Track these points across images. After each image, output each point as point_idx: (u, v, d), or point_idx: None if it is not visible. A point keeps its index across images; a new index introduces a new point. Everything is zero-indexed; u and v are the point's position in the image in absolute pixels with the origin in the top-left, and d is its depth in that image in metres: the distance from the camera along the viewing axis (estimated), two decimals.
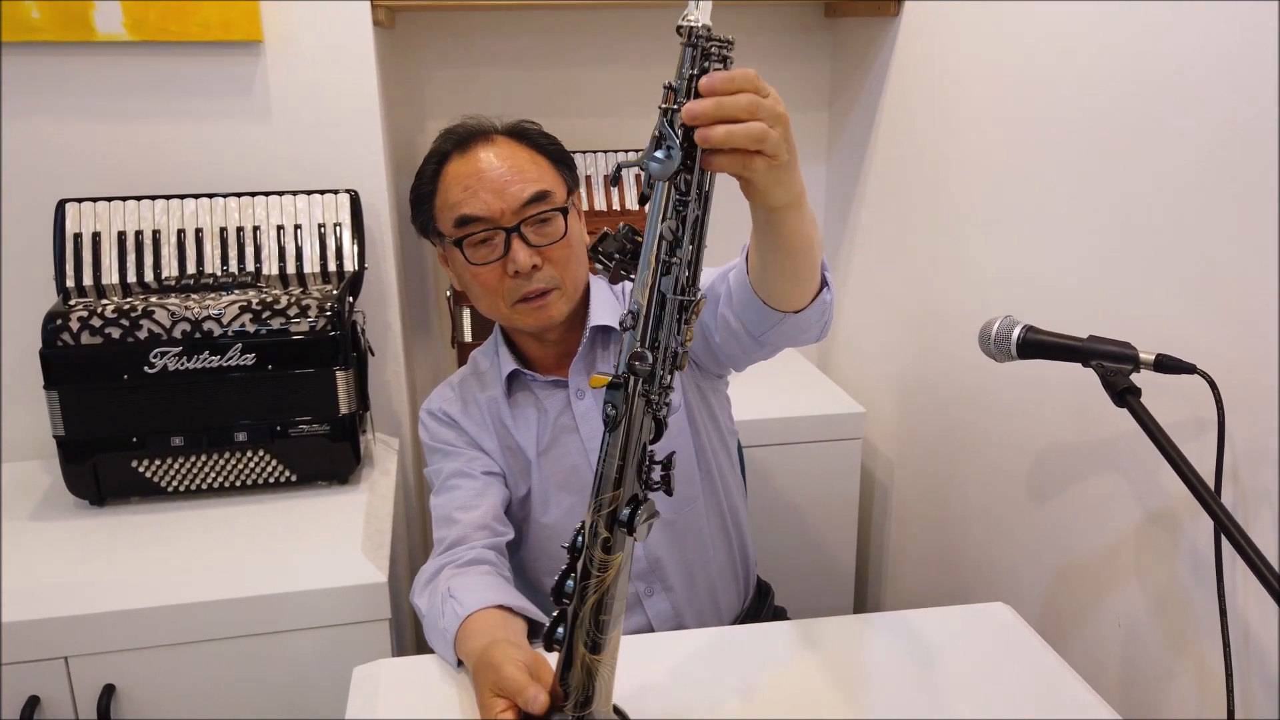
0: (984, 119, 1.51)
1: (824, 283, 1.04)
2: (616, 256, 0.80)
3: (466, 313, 1.76)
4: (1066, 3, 1.28)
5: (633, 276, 0.79)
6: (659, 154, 0.75)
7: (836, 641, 1.09)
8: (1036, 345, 1.12)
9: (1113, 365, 1.04)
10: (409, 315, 1.92)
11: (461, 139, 1.20)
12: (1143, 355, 1.04)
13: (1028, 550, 1.45)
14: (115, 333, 1.34)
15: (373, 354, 1.59)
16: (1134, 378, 1.03)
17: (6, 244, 1.54)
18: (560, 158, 1.23)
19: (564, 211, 1.18)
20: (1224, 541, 1.03)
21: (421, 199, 1.22)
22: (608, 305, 1.26)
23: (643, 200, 0.76)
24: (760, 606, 1.41)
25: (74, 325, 1.33)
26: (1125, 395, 1.01)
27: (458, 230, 1.16)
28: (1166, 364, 1.03)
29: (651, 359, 0.77)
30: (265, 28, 1.53)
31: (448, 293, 1.79)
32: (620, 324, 0.78)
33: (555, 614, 0.86)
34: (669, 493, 0.84)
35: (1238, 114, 1.02)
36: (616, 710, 0.93)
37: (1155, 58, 1.13)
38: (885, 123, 1.87)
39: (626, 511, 0.82)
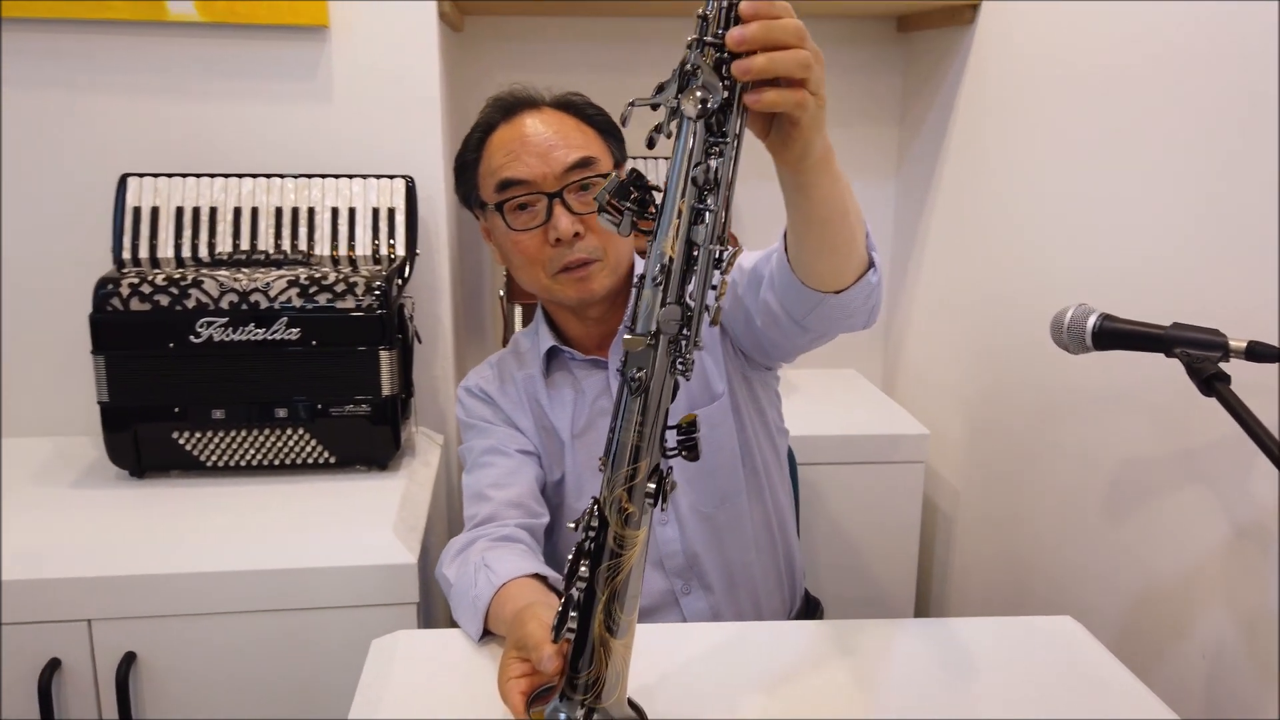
0: (1059, 124, 1.44)
1: (871, 264, 0.96)
2: (628, 205, 0.74)
3: (519, 311, 1.73)
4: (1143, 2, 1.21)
5: (644, 228, 0.74)
6: (698, 93, 0.70)
7: (876, 644, 1.01)
8: (1114, 334, 1.03)
9: (1199, 353, 0.96)
10: (462, 312, 1.90)
11: (508, 107, 1.17)
12: (1233, 343, 0.95)
13: (1103, 576, 1.34)
14: (164, 300, 1.34)
15: (419, 341, 1.56)
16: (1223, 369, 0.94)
17: (69, 218, 1.56)
18: (607, 128, 1.19)
19: (607, 178, 1.14)
20: None
21: (465, 167, 1.19)
22: None
23: (650, 144, 0.70)
24: (808, 619, 1.32)
25: (124, 291, 1.33)
26: (1213, 382, 0.92)
27: (499, 195, 1.13)
28: (1260, 351, 0.94)
29: (680, 316, 0.71)
30: (331, 13, 1.55)
31: (500, 292, 1.76)
32: (637, 281, 0.72)
33: (564, 601, 0.79)
34: (694, 457, 0.78)
35: None
36: (632, 704, 0.86)
37: (1235, 46, 1.06)
38: (956, 135, 1.81)
39: (652, 485, 0.76)
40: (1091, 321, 1.04)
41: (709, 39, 0.68)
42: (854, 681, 0.94)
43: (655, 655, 0.96)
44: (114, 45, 1.53)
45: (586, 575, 0.77)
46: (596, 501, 0.76)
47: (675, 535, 1.19)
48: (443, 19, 1.65)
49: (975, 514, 1.76)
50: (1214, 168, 1.12)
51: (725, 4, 0.68)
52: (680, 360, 0.72)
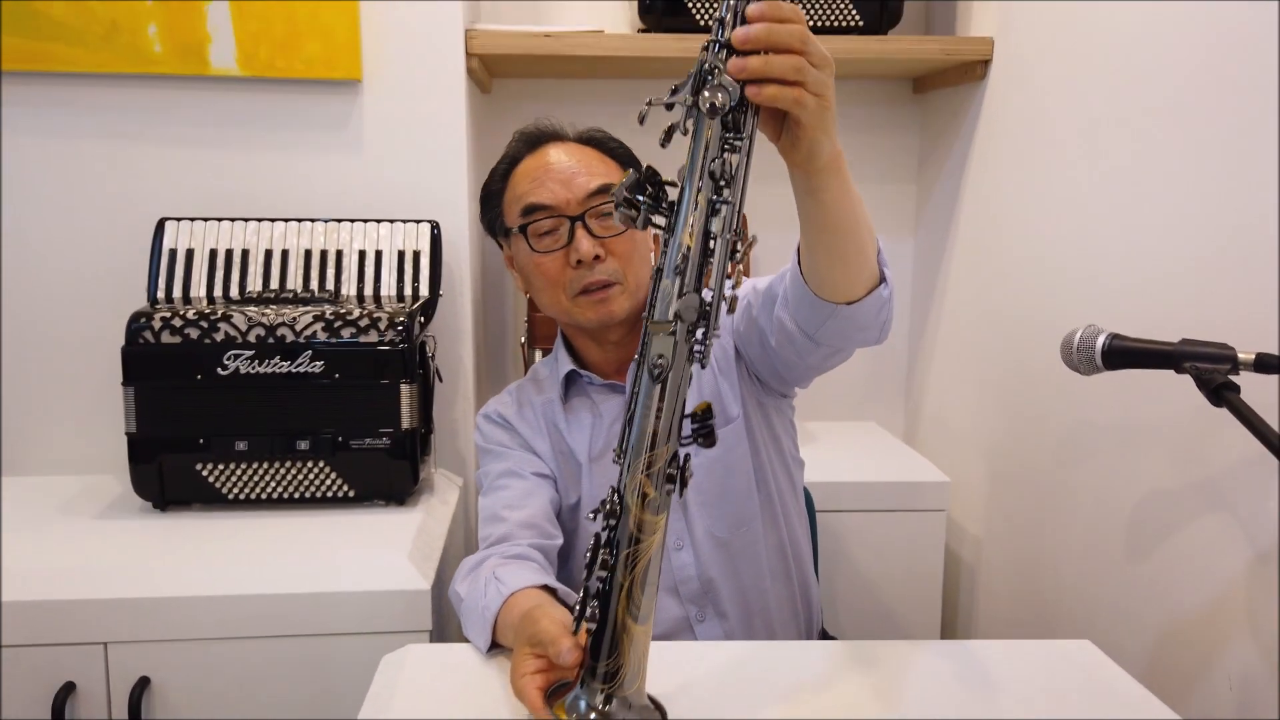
0: (1069, 171, 1.47)
1: (883, 278, 0.99)
2: (644, 199, 0.78)
3: (539, 356, 1.76)
4: (1150, 39, 1.25)
5: (659, 224, 0.77)
6: (711, 92, 0.73)
7: (893, 663, 0.99)
8: (1123, 353, 1.04)
9: (1208, 366, 0.96)
10: (484, 355, 1.93)
11: (533, 139, 1.22)
12: (1241, 355, 0.95)
13: (1128, 614, 1.31)
14: (194, 333, 1.38)
15: (440, 379, 1.59)
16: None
17: (111, 261, 1.61)
18: (629, 161, 1.24)
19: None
20: None
21: (491, 196, 1.24)
22: None
23: (665, 141, 0.75)
24: None
25: (156, 325, 1.38)
26: (1222, 392, 0.93)
27: (523, 218, 1.17)
28: (1268, 363, 0.94)
29: (699, 304, 0.74)
30: (365, 67, 1.62)
31: (522, 338, 1.80)
32: (655, 272, 0.75)
33: (583, 591, 0.80)
34: (710, 444, 0.79)
35: None
36: (652, 701, 0.86)
37: (1237, 79, 1.09)
38: (971, 189, 1.84)
39: (672, 470, 0.77)
40: (1101, 341, 1.05)
41: (722, 40, 0.73)
42: (871, 699, 0.92)
43: (671, 672, 0.96)
44: (159, 97, 1.61)
45: (609, 563, 0.77)
46: (616, 490, 0.78)
47: (690, 560, 1.18)
48: (471, 77, 1.72)
49: (998, 561, 1.74)
50: (1223, 206, 1.14)
51: (736, 6, 0.73)
52: (699, 347, 0.74)
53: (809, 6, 1.74)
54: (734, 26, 0.74)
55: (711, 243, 0.74)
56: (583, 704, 0.79)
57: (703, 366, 0.75)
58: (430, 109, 1.65)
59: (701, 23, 1.73)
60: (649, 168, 0.78)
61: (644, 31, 1.79)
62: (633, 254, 1.17)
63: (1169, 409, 1.23)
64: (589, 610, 0.79)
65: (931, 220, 2.03)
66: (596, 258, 1.14)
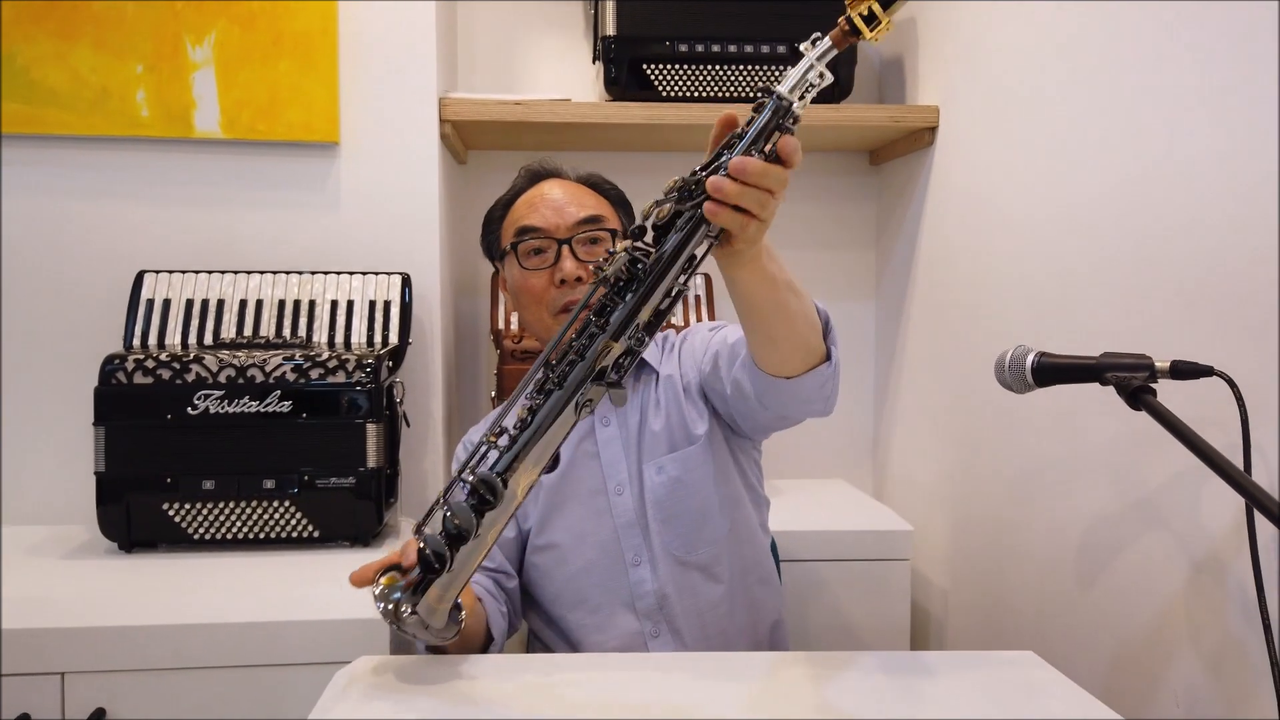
0: (1012, 229, 1.55)
1: (828, 355, 1.05)
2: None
3: None
4: (1081, 95, 1.34)
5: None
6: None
7: (841, 674, 1.01)
8: (1051, 369, 1.09)
9: (1126, 375, 1.01)
10: (455, 410, 1.97)
11: (535, 175, 1.36)
12: (1158, 364, 1.00)
13: (1081, 642, 1.33)
14: (166, 374, 1.42)
15: (408, 424, 1.62)
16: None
17: (92, 314, 1.66)
18: (620, 201, 1.37)
19: (613, 235, 1.28)
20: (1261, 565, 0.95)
21: (492, 221, 1.36)
22: None
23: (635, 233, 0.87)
24: None
25: (129, 366, 1.42)
26: (1139, 394, 0.97)
27: (516, 238, 1.28)
28: (1182, 369, 0.99)
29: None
30: (343, 130, 1.71)
31: (492, 393, 1.84)
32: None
33: (436, 502, 0.93)
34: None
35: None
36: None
37: (1169, 126, 1.17)
38: (924, 251, 1.92)
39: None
40: (1030, 359, 1.10)
41: (699, 173, 0.84)
42: (816, 708, 0.93)
43: (623, 688, 0.97)
44: (146, 158, 1.69)
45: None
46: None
47: (647, 576, 1.20)
48: (445, 143, 1.81)
49: (964, 608, 1.75)
50: (1162, 253, 1.21)
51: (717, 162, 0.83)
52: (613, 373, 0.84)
53: (762, 76, 1.85)
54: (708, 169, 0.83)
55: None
56: (396, 595, 0.91)
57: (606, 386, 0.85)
58: (405, 171, 1.74)
59: (663, 93, 1.83)
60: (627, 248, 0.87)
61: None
62: None
63: (1105, 437, 1.27)
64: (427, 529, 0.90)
65: (890, 284, 2.11)
66: (579, 279, 1.23)
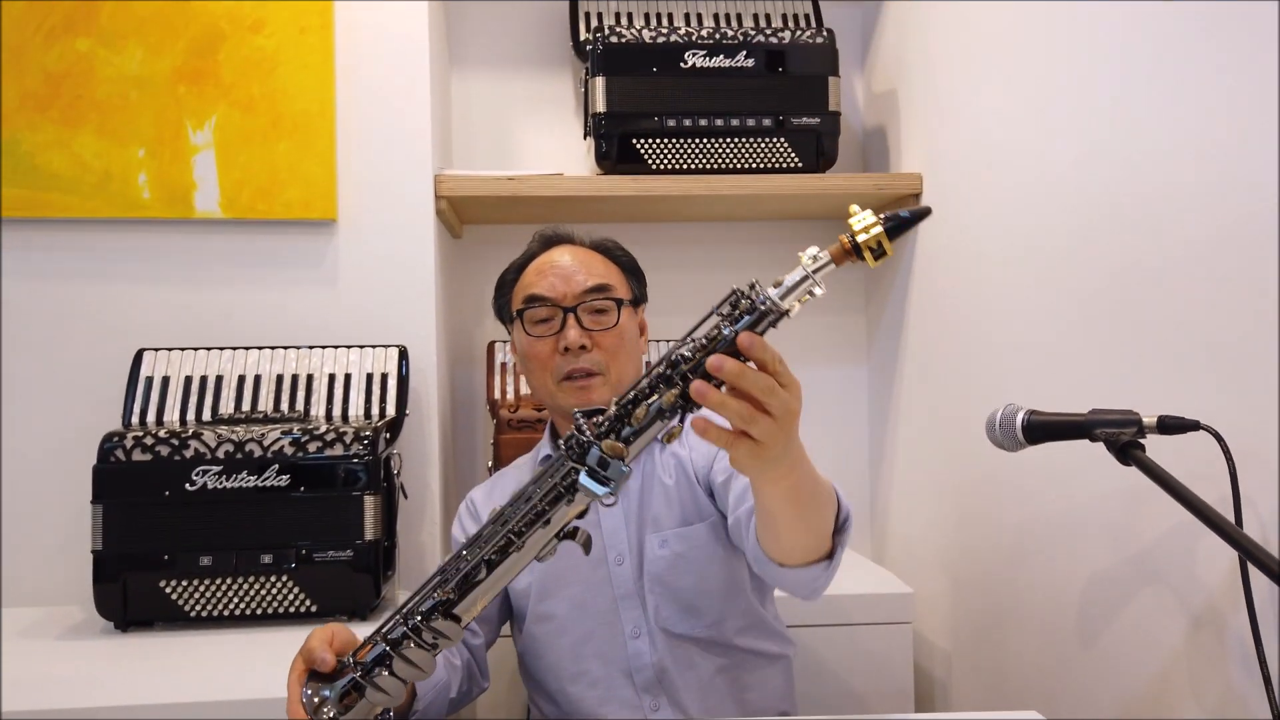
0: (998, 291, 1.57)
1: (830, 555, 1.05)
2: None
3: None
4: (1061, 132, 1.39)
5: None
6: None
7: None
8: (1041, 426, 1.11)
9: (1115, 430, 1.02)
10: (452, 481, 1.97)
11: (548, 240, 1.38)
12: (1145, 419, 1.02)
13: (1085, 700, 1.32)
14: (164, 450, 1.42)
15: (405, 496, 1.63)
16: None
17: (90, 395, 1.67)
18: (631, 269, 1.39)
19: (619, 304, 1.30)
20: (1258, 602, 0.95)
21: (504, 285, 1.39)
22: None
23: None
24: None
25: (128, 443, 1.43)
26: (1128, 450, 0.99)
27: (524, 305, 1.31)
28: (1169, 424, 1.01)
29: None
30: (340, 207, 1.74)
31: (489, 463, 1.84)
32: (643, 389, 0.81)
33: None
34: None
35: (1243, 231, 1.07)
36: None
37: (1162, 165, 1.21)
38: (913, 314, 1.95)
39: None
40: (1020, 418, 1.12)
41: (699, 343, 0.80)
42: None
43: None
44: (146, 238, 1.72)
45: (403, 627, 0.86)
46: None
47: (646, 649, 1.20)
48: (441, 218, 1.85)
49: (967, 671, 1.73)
50: (1148, 305, 1.23)
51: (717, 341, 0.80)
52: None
53: (750, 150, 1.90)
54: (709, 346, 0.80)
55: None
56: (325, 692, 0.89)
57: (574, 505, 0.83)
58: (402, 246, 1.77)
59: (653, 166, 1.88)
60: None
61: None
62: (619, 349, 1.28)
63: (1101, 493, 1.28)
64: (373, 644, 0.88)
65: (881, 347, 2.13)
66: (583, 347, 1.25)
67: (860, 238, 0.78)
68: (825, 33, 1.94)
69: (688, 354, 0.79)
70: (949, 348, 1.79)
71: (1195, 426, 1.00)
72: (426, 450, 1.76)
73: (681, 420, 0.79)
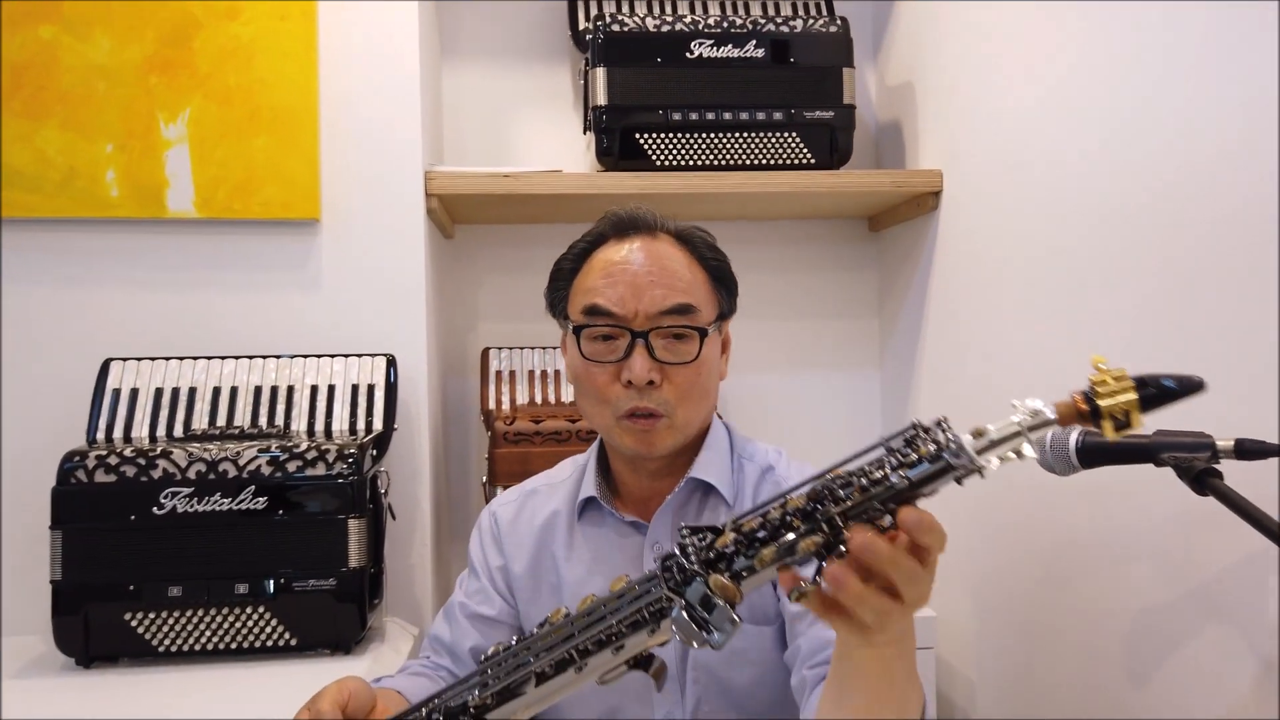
0: (1026, 291, 1.47)
1: None
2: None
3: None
4: (1093, 151, 1.28)
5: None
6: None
7: None
8: (1098, 449, 1.00)
9: (1186, 455, 0.92)
10: (444, 498, 1.86)
11: (621, 225, 1.10)
12: (1220, 443, 0.91)
13: None
14: (130, 471, 1.31)
15: (393, 517, 1.51)
16: None
17: (53, 409, 1.56)
18: (721, 276, 1.12)
19: (703, 333, 1.06)
20: None
21: (560, 274, 1.12)
22: (719, 460, 1.11)
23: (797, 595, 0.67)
24: None
25: (90, 463, 1.31)
26: (1206, 479, 0.88)
27: (583, 318, 1.06)
28: (1249, 449, 0.90)
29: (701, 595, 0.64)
30: (324, 206, 1.63)
31: (483, 478, 1.73)
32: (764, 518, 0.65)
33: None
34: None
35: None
36: None
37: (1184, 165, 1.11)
38: (932, 318, 1.85)
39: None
40: (1074, 439, 1.01)
41: (858, 481, 0.64)
42: None
43: None
44: (115, 239, 1.60)
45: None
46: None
47: None
48: (431, 218, 1.73)
49: (992, 701, 1.62)
50: (1174, 310, 1.13)
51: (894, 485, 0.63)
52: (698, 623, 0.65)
53: (760, 145, 1.79)
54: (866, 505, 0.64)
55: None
56: None
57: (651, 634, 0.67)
58: (390, 247, 1.65)
59: (657, 162, 1.77)
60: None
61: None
62: (692, 388, 1.05)
63: (1152, 517, 1.17)
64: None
65: (896, 353, 2.03)
66: (650, 383, 1.02)
67: (1105, 401, 0.62)
68: (839, 21, 1.83)
69: (841, 492, 0.64)
70: (969, 354, 1.68)
71: (1278, 451, 0.89)
72: (416, 467, 1.64)
73: (816, 577, 0.63)
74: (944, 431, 0.63)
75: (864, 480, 0.64)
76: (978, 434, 0.63)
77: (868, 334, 2.13)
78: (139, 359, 1.54)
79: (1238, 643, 1.03)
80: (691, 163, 1.77)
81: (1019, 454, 0.63)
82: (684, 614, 0.63)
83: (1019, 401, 0.63)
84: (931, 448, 0.63)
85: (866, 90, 2.12)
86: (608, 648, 0.67)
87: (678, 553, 0.65)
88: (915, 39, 1.90)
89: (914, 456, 0.63)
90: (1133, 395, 0.61)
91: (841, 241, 2.11)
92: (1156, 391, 0.61)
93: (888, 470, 0.64)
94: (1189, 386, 0.62)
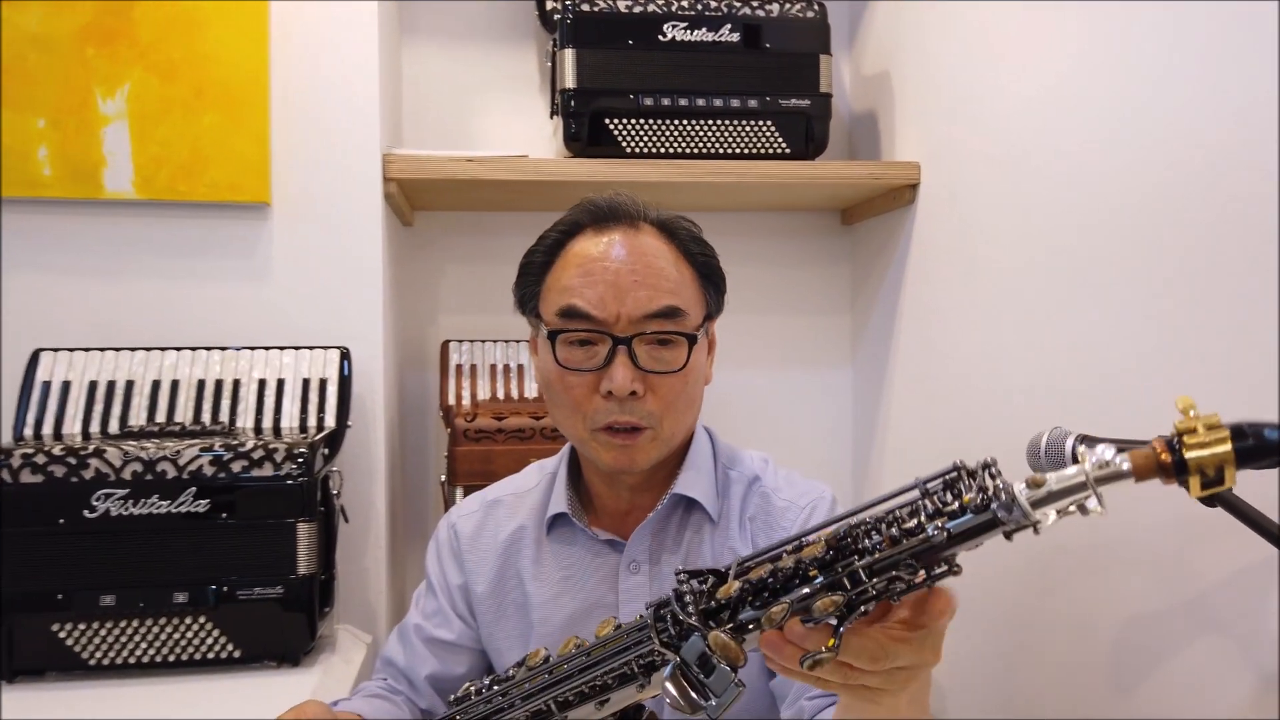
0: (1004, 289, 1.43)
1: None
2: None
3: (459, 495, 1.61)
4: (1082, 147, 1.24)
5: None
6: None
7: None
8: None
9: None
10: (400, 498, 1.77)
11: (600, 215, 0.99)
12: None
13: None
14: (59, 471, 1.21)
15: (346, 519, 1.43)
16: None
17: None
18: (709, 273, 1.02)
19: (692, 339, 0.97)
20: None
21: (531, 268, 1.02)
22: (703, 473, 1.03)
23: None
24: None
25: (15, 462, 1.21)
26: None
27: (559, 321, 0.96)
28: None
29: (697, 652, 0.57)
30: (274, 191, 1.54)
31: (442, 477, 1.65)
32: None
33: None
34: None
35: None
36: None
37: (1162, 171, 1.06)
38: (906, 314, 1.80)
39: None
40: (1070, 443, 0.96)
41: (888, 531, 0.57)
42: None
43: None
44: (45, 221, 1.49)
45: None
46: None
47: None
48: (389, 203, 1.65)
49: (963, 705, 1.58)
50: (1160, 308, 1.09)
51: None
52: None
53: (734, 133, 1.72)
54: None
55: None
56: None
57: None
58: (345, 234, 1.57)
59: (627, 149, 1.70)
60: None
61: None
62: (678, 397, 0.96)
63: (1144, 522, 1.13)
64: None
65: (868, 350, 1.98)
66: (633, 393, 0.93)
67: (1194, 454, 0.53)
68: (816, 6, 1.77)
69: (867, 541, 0.56)
70: (945, 351, 1.63)
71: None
72: (371, 466, 1.56)
73: (833, 642, 0.55)
74: (993, 478, 0.56)
75: (895, 530, 0.56)
76: (1034, 484, 0.55)
77: (839, 330, 2.08)
78: (71, 350, 1.44)
79: (1234, 655, 0.99)
80: (663, 150, 1.71)
81: (1083, 509, 0.55)
82: (679, 674, 0.55)
83: (1087, 448, 0.55)
84: (978, 496, 0.55)
85: (841, 80, 2.07)
86: (591, 701, 0.60)
87: (674, 601, 0.58)
88: (893, 28, 1.85)
89: (955, 505, 0.56)
90: (1228, 448, 0.52)
91: (813, 234, 2.06)
92: (1257, 445, 0.52)
93: (923, 518, 0.56)
94: None
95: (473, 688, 0.65)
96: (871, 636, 0.57)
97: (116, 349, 1.45)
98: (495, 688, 0.64)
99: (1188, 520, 1.05)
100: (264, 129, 1.53)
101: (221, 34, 1.51)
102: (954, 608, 0.59)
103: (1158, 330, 1.10)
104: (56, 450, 1.23)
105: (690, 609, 0.57)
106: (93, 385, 1.41)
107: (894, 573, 0.55)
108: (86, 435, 1.37)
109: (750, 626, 0.56)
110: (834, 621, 0.55)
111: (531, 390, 1.76)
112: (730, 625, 0.56)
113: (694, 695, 0.55)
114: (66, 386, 1.41)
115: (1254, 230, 0.95)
